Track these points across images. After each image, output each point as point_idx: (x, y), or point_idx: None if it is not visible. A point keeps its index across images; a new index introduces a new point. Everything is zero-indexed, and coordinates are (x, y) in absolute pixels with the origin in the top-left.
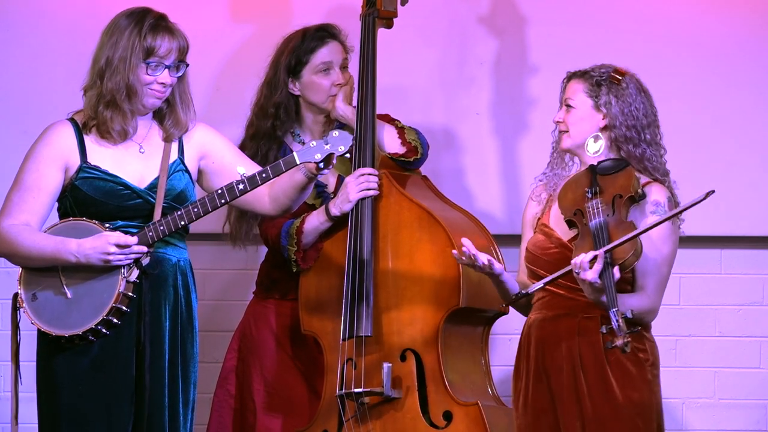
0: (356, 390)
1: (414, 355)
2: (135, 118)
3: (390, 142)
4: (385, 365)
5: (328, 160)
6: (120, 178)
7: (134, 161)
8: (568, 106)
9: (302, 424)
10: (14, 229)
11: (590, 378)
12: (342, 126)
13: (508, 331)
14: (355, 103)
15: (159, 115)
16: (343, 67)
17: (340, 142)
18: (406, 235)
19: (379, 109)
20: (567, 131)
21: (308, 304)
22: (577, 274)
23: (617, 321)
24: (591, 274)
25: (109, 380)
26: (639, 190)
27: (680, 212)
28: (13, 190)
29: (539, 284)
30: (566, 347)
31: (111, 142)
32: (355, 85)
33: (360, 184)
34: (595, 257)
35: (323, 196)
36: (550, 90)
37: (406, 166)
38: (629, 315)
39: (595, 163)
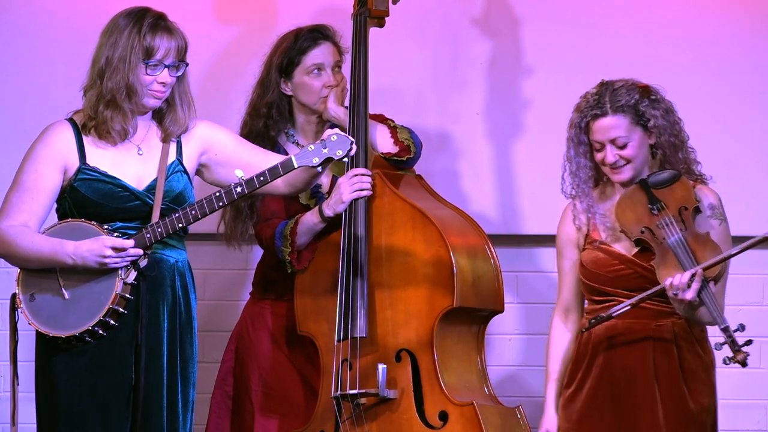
0: (351, 391)
1: (409, 356)
2: (135, 118)
3: (383, 141)
4: (381, 366)
5: (326, 163)
6: (118, 179)
7: (133, 163)
8: (621, 144)
9: (300, 424)
10: (12, 230)
11: (664, 387)
12: (334, 127)
13: (507, 331)
14: (347, 103)
15: (158, 115)
16: (336, 69)
17: (339, 146)
18: (399, 235)
19: (372, 111)
20: (627, 164)
21: (304, 305)
22: (675, 294)
23: (731, 337)
24: (690, 293)
25: (106, 381)
26: (696, 198)
27: None
28: (12, 191)
29: (625, 306)
30: (640, 357)
31: (110, 142)
32: (348, 86)
33: (353, 185)
34: (692, 276)
35: (317, 196)
36: (545, 91)
37: (399, 166)
38: (741, 329)
39: (645, 177)
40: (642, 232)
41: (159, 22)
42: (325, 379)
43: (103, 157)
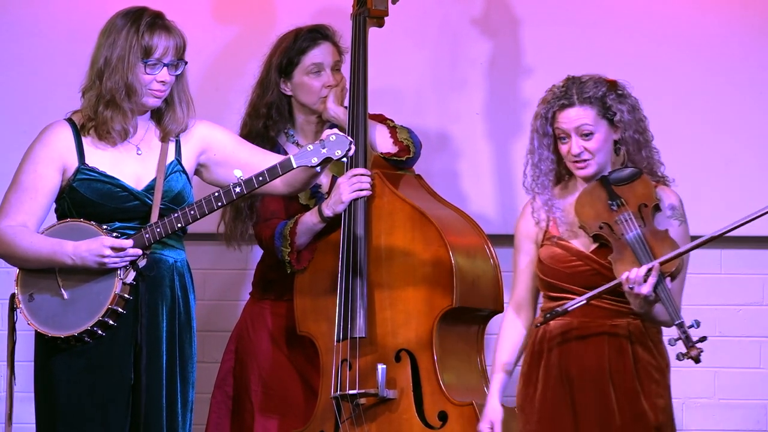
0: (351, 392)
1: (409, 356)
2: (135, 117)
3: (382, 141)
4: (380, 366)
5: (325, 164)
6: (117, 179)
7: (131, 162)
8: (587, 134)
9: (300, 424)
10: (11, 231)
11: (618, 389)
12: (333, 127)
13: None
14: (346, 103)
15: (157, 115)
16: (335, 69)
17: (337, 147)
18: (399, 235)
19: (372, 111)
20: (591, 158)
21: (303, 305)
22: (631, 288)
23: (686, 333)
24: (646, 288)
25: (105, 381)
26: (657, 197)
27: (746, 222)
28: (11, 191)
29: (581, 300)
30: (595, 356)
31: (110, 143)
32: (348, 86)
33: (353, 185)
34: (649, 271)
35: (317, 196)
36: (544, 91)
37: (398, 166)
38: (695, 325)
39: (606, 174)
40: (600, 228)
41: (157, 21)
42: (324, 379)
43: (102, 157)
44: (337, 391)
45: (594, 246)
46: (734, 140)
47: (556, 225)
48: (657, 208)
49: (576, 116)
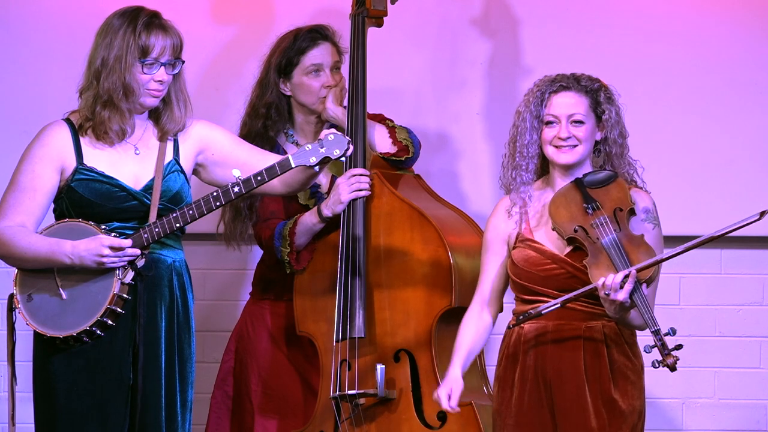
0: (350, 392)
1: (408, 356)
2: (133, 117)
3: (381, 141)
4: (379, 367)
5: (324, 163)
6: (116, 179)
7: (129, 162)
8: (578, 122)
9: (299, 424)
10: (10, 231)
11: (594, 388)
12: (333, 127)
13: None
14: (346, 103)
15: (155, 114)
16: (335, 69)
17: (336, 146)
18: (398, 235)
19: (371, 111)
20: (577, 145)
21: (303, 305)
22: (607, 294)
23: (662, 340)
24: (623, 294)
25: (104, 381)
26: (632, 200)
27: (730, 231)
28: (9, 191)
29: (555, 304)
30: (570, 358)
31: (108, 143)
32: (347, 86)
33: (351, 185)
34: (625, 277)
35: (317, 196)
36: None
37: (398, 166)
38: (671, 333)
39: (581, 176)
40: (575, 231)
41: (153, 21)
42: (324, 379)
43: (100, 157)
44: (336, 391)
45: (568, 249)
46: (734, 140)
47: (529, 226)
48: (632, 212)
49: (570, 102)
